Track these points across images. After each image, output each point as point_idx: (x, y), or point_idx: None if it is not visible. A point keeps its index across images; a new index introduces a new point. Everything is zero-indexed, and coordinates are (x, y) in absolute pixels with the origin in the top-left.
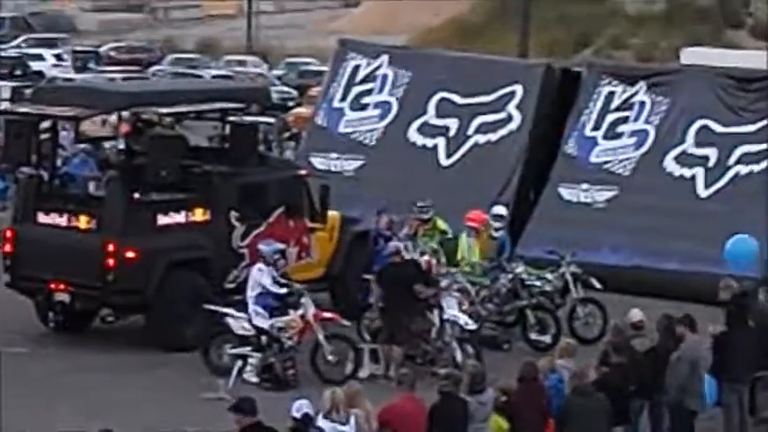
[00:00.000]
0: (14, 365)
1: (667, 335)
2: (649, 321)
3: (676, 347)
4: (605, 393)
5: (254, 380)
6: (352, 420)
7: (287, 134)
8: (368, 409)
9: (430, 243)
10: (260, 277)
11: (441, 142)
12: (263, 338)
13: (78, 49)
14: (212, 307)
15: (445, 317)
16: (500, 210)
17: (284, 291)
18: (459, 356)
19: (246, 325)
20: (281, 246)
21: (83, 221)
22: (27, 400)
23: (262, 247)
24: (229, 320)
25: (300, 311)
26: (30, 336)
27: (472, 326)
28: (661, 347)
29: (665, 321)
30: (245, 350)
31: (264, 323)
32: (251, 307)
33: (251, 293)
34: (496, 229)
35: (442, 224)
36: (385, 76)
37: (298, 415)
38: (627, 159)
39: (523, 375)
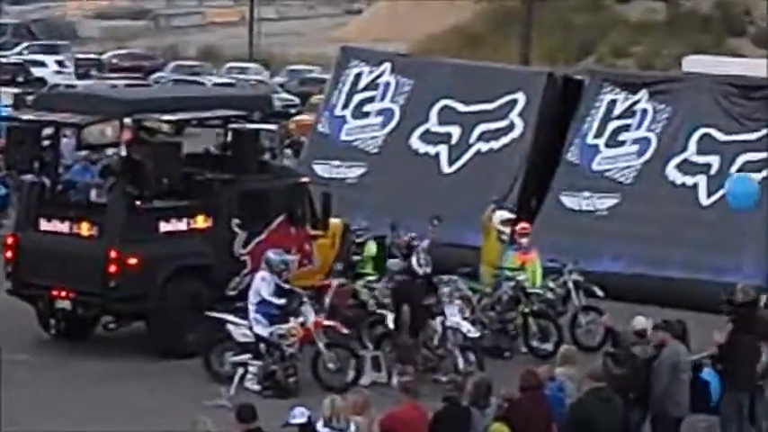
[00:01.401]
0: (16, 373)
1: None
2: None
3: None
4: None
5: (255, 387)
6: (353, 427)
7: (287, 141)
8: (372, 417)
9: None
10: (260, 287)
11: (443, 150)
12: (263, 346)
13: (80, 56)
14: (214, 314)
15: (447, 324)
16: (508, 215)
17: (283, 301)
18: (461, 364)
19: (247, 332)
20: (289, 257)
21: (85, 228)
22: (28, 407)
23: (270, 255)
24: (230, 328)
25: (301, 319)
26: (31, 343)
27: (474, 333)
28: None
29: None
30: (246, 357)
31: (265, 331)
32: (252, 315)
33: (252, 301)
34: (505, 234)
35: (372, 248)
36: (387, 84)
37: (297, 421)
38: (629, 167)
39: (524, 385)
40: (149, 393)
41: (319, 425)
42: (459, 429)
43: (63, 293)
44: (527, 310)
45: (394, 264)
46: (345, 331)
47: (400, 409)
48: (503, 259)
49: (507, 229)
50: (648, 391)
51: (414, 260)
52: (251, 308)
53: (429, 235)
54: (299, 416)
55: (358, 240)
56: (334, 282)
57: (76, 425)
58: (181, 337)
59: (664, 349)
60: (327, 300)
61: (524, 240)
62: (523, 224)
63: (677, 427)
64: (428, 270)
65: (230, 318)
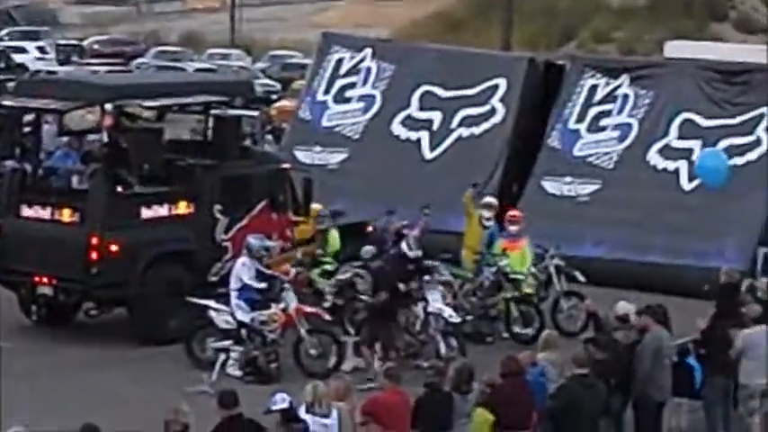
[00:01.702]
0: None
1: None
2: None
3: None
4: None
5: (237, 373)
6: (335, 413)
7: (268, 127)
8: (354, 402)
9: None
10: (241, 272)
11: (424, 135)
12: (245, 332)
13: (62, 41)
14: (195, 300)
15: (429, 309)
16: (490, 200)
17: (264, 285)
18: (443, 349)
19: (229, 318)
20: (270, 243)
21: (66, 214)
22: (9, 394)
23: (251, 239)
24: (212, 314)
25: (282, 305)
26: (12, 329)
27: (456, 319)
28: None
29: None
30: (228, 344)
31: (246, 317)
32: (233, 300)
33: (233, 287)
34: (488, 219)
35: (335, 239)
36: (368, 70)
37: (278, 407)
38: (610, 152)
39: (504, 371)
40: (131, 380)
41: (301, 411)
42: (441, 415)
43: (44, 280)
44: (509, 295)
45: (367, 251)
46: (327, 317)
47: (382, 394)
48: (492, 245)
49: (489, 214)
50: (630, 376)
51: (404, 245)
52: (232, 294)
53: (420, 222)
54: (281, 402)
55: (320, 227)
56: (292, 270)
57: (56, 412)
58: (162, 324)
59: (646, 334)
60: None
61: (513, 228)
62: (513, 212)
63: (659, 412)
64: (419, 253)
65: (212, 304)
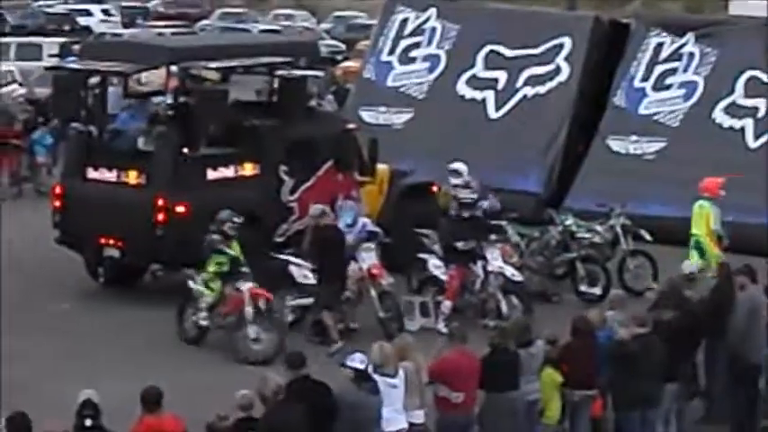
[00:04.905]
0: (63, 321)
1: (727, 282)
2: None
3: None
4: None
5: (290, 318)
6: (401, 373)
7: (332, 88)
8: (419, 361)
9: None
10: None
11: (489, 95)
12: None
13: (126, 4)
14: (275, 255)
15: (489, 268)
16: (457, 165)
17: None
18: (504, 308)
19: (309, 273)
20: (362, 219)
21: (132, 176)
22: (74, 355)
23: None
24: (292, 268)
25: (359, 264)
26: (79, 291)
27: (519, 277)
28: (721, 295)
29: (723, 269)
30: (305, 302)
31: None
32: None
33: None
34: (454, 186)
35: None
36: (433, 29)
37: (354, 365)
38: (676, 111)
39: (575, 329)
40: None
41: (369, 370)
42: (509, 373)
43: (111, 242)
44: (575, 254)
45: (316, 210)
46: (384, 282)
47: (449, 355)
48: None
49: (456, 181)
50: (701, 333)
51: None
52: None
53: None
54: (359, 361)
55: None
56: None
57: (121, 374)
58: None
59: (741, 293)
60: None
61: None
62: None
63: (757, 373)
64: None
65: (292, 258)
